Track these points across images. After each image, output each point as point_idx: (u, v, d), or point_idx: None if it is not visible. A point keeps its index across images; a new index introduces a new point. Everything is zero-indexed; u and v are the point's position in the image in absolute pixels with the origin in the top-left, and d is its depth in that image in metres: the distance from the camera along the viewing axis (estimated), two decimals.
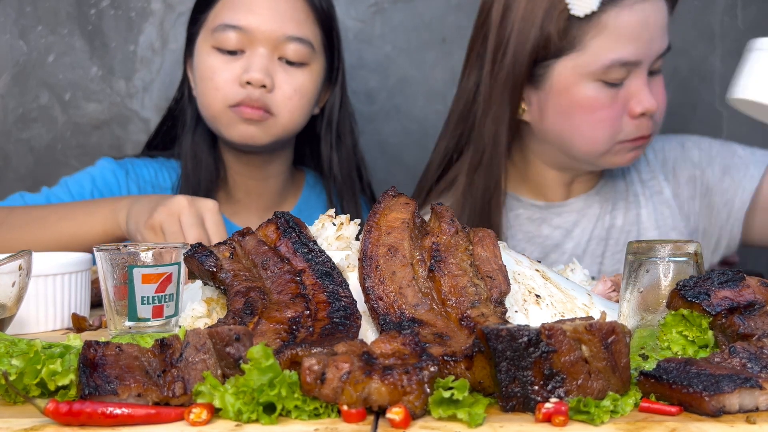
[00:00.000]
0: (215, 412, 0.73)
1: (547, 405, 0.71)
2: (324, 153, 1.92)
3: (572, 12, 1.56)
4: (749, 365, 0.77)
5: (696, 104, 2.20)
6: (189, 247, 1.01)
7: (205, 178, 1.87)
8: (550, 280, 1.07)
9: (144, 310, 1.02)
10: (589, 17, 1.56)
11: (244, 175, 1.92)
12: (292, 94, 1.76)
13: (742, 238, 1.71)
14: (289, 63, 1.77)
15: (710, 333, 0.85)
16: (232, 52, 1.76)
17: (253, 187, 1.93)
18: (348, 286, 0.94)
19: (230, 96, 1.74)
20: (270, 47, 1.75)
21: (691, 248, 0.96)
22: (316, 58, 1.80)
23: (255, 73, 1.72)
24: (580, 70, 1.57)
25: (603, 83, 1.58)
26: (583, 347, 0.73)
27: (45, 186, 1.89)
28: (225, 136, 1.81)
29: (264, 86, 1.73)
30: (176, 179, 1.92)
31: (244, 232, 1.02)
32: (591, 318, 0.76)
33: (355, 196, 1.92)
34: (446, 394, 0.71)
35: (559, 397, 0.72)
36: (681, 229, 1.72)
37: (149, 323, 1.03)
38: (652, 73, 1.61)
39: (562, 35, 1.57)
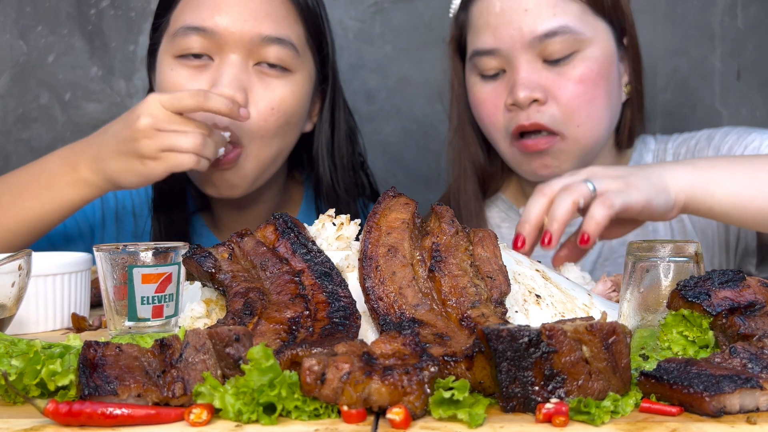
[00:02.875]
0: (215, 413, 0.73)
1: (548, 405, 0.71)
2: (321, 174, 1.65)
3: (450, 15, 1.65)
4: (750, 365, 0.77)
5: (696, 104, 2.20)
6: (188, 248, 1.01)
7: (179, 224, 1.65)
8: (551, 280, 1.07)
9: (144, 310, 1.02)
10: (464, 16, 1.60)
11: (228, 208, 1.69)
12: (268, 115, 1.46)
13: (758, 237, 1.61)
14: (271, 66, 1.49)
15: (711, 333, 0.85)
16: (197, 56, 1.47)
17: (241, 218, 1.70)
18: (347, 286, 0.94)
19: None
20: (243, 53, 1.45)
21: (691, 248, 0.96)
22: (300, 64, 1.52)
23: (223, 87, 1.42)
24: (467, 67, 1.61)
25: (480, 77, 1.57)
26: (584, 347, 0.73)
27: None
28: (201, 188, 1.54)
29: (237, 101, 1.42)
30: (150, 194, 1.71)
31: (243, 233, 1.02)
32: (591, 318, 0.76)
33: (351, 206, 1.70)
34: (446, 395, 0.71)
35: (559, 397, 0.72)
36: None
37: (149, 323, 1.02)
38: (553, 61, 1.51)
39: (458, 38, 1.64)
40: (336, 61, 1.70)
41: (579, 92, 1.50)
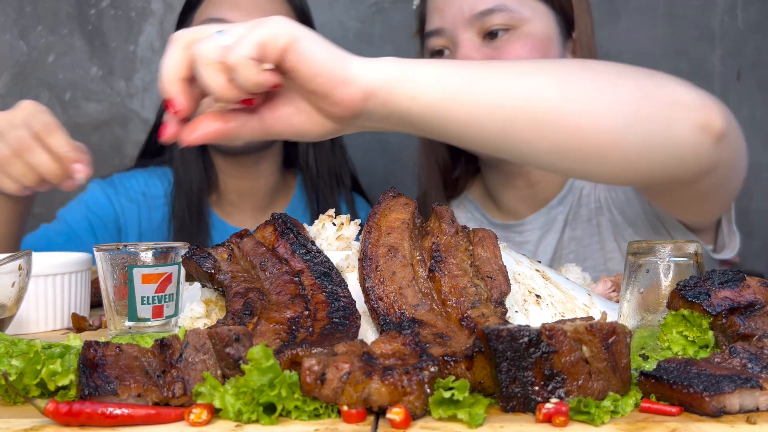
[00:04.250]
0: (215, 413, 0.73)
1: (548, 405, 0.71)
2: (300, 149, 1.92)
3: (413, 8, 1.74)
4: (749, 365, 0.77)
5: None
6: (188, 249, 1.01)
7: (196, 183, 1.87)
8: (551, 280, 1.07)
9: (144, 310, 1.02)
10: (423, 5, 1.69)
11: (235, 176, 1.92)
12: None
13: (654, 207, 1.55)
14: None
15: (710, 333, 0.85)
16: None
17: (245, 189, 1.94)
18: (347, 286, 0.94)
19: None
20: None
21: (691, 248, 0.96)
22: None
23: None
24: (423, 51, 1.68)
25: (431, 56, 1.66)
26: (584, 347, 0.73)
27: (43, 222, 1.89)
28: None
29: None
30: (168, 186, 1.92)
31: (242, 234, 1.02)
32: (591, 318, 0.76)
33: (334, 193, 1.91)
34: (446, 395, 0.71)
35: (559, 397, 0.72)
36: (631, 237, 1.59)
37: (149, 323, 1.03)
38: (493, 37, 1.57)
39: (422, 30, 1.71)
40: None
41: None
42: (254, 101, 0.96)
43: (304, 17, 1.84)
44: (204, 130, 0.97)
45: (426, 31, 1.67)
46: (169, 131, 0.97)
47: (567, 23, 1.64)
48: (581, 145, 1.01)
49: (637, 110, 1.02)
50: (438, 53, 1.65)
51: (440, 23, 1.62)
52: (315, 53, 0.93)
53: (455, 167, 1.81)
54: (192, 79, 0.95)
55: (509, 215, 1.75)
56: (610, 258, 1.60)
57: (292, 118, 0.99)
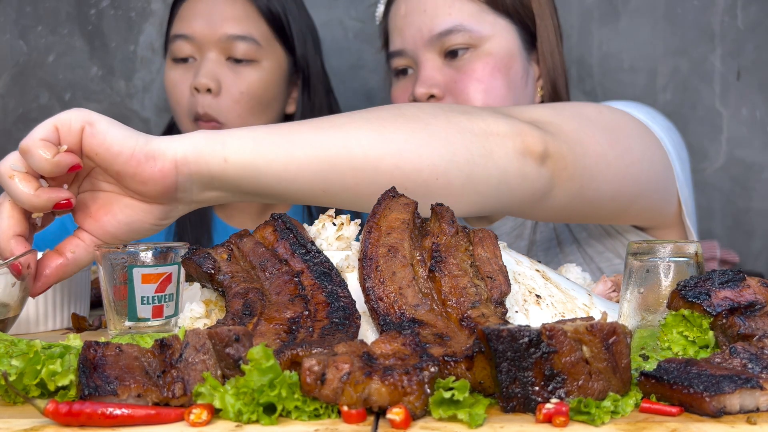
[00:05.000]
0: (215, 413, 0.73)
1: (548, 405, 0.71)
2: None
3: (377, 23, 1.75)
4: (750, 366, 0.77)
5: (696, 104, 2.20)
6: (187, 249, 1.01)
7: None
8: (551, 280, 1.07)
9: (144, 310, 1.02)
10: (386, 22, 1.69)
11: None
12: (239, 97, 1.77)
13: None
14: (238, 61, 1.77)
15: (711, 333, 0.85)
16: (185, 60, 1.80)
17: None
18: (347, 286, 0.94)
19: (187, 108, 1.78)
20: (217, 49, 1.77)
21: (691, 249, 0.96)
22: (265, 54, 1.80)
23: (200, 78, 1.74)
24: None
25: (395, 76, 1.67)
26: (584, 348, 0.73)
27: None
28: None
29: (210, 90, 1.74)
30: None
31: (242, 234, 1.02)
32: (591, 318, 0.76)
33: None
34: (447, 395, 0.71)
35: (559, 397, 0.72)
36: (586, 239, 1.59)
37: (149, 323, 1.03)
38: (453, 59, 1.57)
39: (386, 44, 1.72)
40: (318, 54, 1.91)
41: (474, 86, 1.56)
42: (70, 202, 0.94)
43: (273, 15, 1.82)
44: (47, 274, 0.98)
45: (389, 52, 1.67)
46: (45, 278, 0.98)
47: (530, 35, 1.63)
48: (404, 184, 1.04)
49: (453, 146, 1.06)
50: (402, 72, 1.66)
51: (401, 44, 1.62)
52: (112, 134, 0.93)
53: None
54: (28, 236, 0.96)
55: (484, 219, 1.75)
56: (570, 261, 1.59)
57: (118, 218, 0.99)
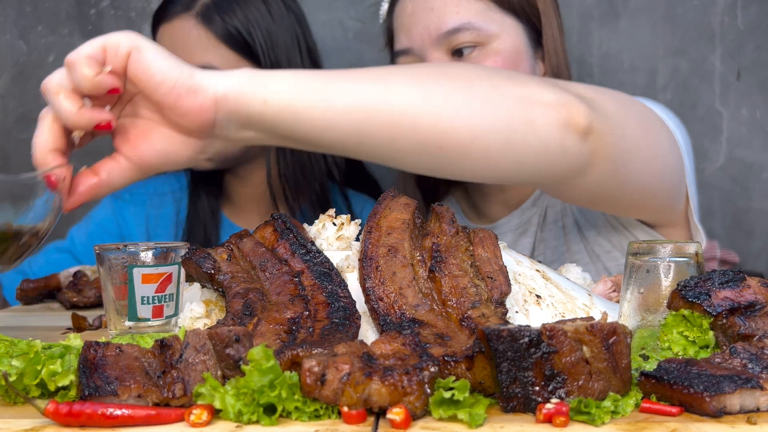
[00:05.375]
0: (215, 414, 0.73)
1: (548, 405, 0.71)
2: (270, 159, 1.87)
3: (380, 22, 1.72)
4: (750, 366, 0.77)
5: (696, 104, 2.20)
6: (187, 249, 1.01)
7: (209, 188, 1.91)
8: (551, 280, 1.07)
9: (144, 310, 1.02)
10: (390, 20, 1.67)
11: (237, 184, 1.95)
12: None
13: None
14: None
15: (711, 333, 0.85)
16: None
17: (249, 194, 1.96)
18: (347, 286, 0.94)
19: None
20: None
21: (691, 249, 0.96)
22: None
23: None
24: None
25: None
26: (584, 348, 0.73)
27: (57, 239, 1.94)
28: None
29: None
30: (176, 183, 1.96)
31: (242, 234, 1.02)
32: (592, 318, 0.76)
33: (300, 195, 1.86)
34: (447, 395, 0.71)
35: (559, 397, 0.72)
36: (595, 238, 1.58)
37: (149, 323, 1.03)
38: (460, 56, 1.56)
39: (390, 43, 1.70)
40: (296, 52, 1.84)
41: None
42: (110, 124, 0.95)
43: (233, 38, 1.77)
44: (80, 191, 0.98)
45: (395, 51, 1.65)
46: (78, 196, 0.98)
47: (535, 32, 1.63)
48: (441, 144, 1.02)
49: (494, 109, 1.03)
50: None
51: (408, 43, 1.60)
52: (157, 62, 0.92)
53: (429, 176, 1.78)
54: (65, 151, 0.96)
55: (485, 218, 1.75)
56: (576, 259, 1.59)
57: (155, 147, 0.99)
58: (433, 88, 1.03)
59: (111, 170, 1.00)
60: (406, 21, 1.60)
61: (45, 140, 0.94)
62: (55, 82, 0.92)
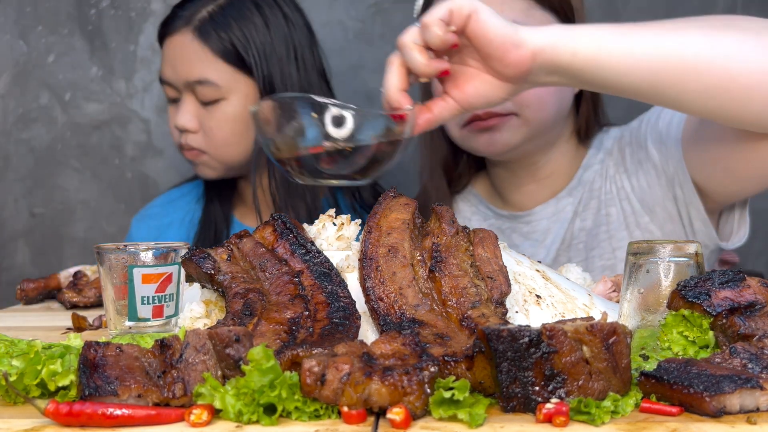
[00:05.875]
0: (215, 414, 0.73)
1: (548, 405, 0.71)
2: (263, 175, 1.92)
3: (414, 17, 1.71)
4: (750, 366, 0.77)
5: None
6: (187, 249, 1.01)
7: (224, 192, 1.99)
8: (551, 280, 1.07)
9: (144, 310, 1.02)
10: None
11: (247, 188, 1.99)
12: (216, 131, 1.84)
13: (703, 201, 1.56)
14: (206, 103, 1.83)
15: (711, 333, 0.85)
16: (175, 101, 1.88)
17: (259, 197, 1.98)
18: (346, 286, 0.94)
19: (177, 141, 1.89)
20: (189, 92, 1.84)
21: (691, 248, 0.96)
22: (229, 91, 1.83)
23: (177, 120, 1.85)
24: None
25: None
26: (584, 348, 0.73)
27: None
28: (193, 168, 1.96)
29: (189, 129, 1.84)
30: (192, 191, 2.03)
31: (242, 235, 1.02)
32: (592, 318, 0.76)
33: (296, 203, 1.90)
34: (447, 395, 0.71)
35: (559, 397, 0.72)
36: (646, 225, 1.62)
37: (149, 323, 1.03)
38: None
39: None
40: (290, 64, 1.90)
41: None
42: (449, 71, 1.15)
43: (229, 52, 1.82)
44: (419, 123, 1.17)
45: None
46: (417, 127, 1.18)
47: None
48: (728, 86, 1.13)
49: None
50: None
51: None
52: (492, 22, 1.11)
53: (457, 165, 1.82)
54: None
55: (516, 208, 1.77)
56: (619, 247, 1.62)
57: (478, 90, 1.17)
58: (723, 36, 1.14)
59: (441, 108, 1.18)
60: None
61: (395, 83, 1.13)
62: (410, 38, 1.12)
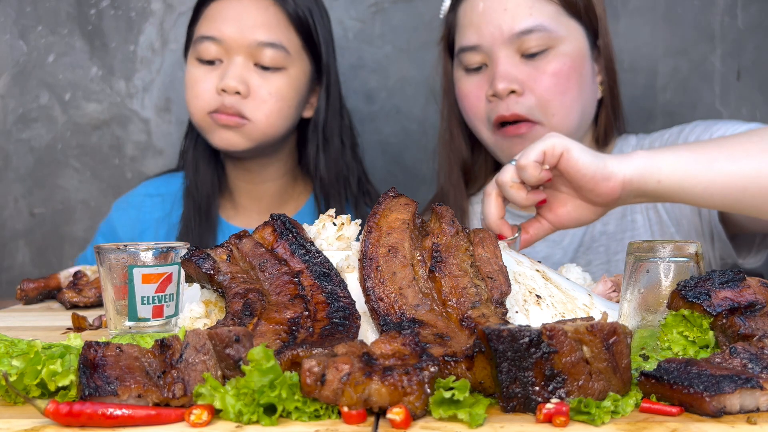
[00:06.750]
0: (216, 414, 0.73)
1: (548, 405, 0.71)
2: (310, 153, 1.94)
3: (441, 17, 1.79)
4: (750, 366, 0.77)
5: (696, 104, 2.20)
6: (187, 250, 1.01)
7: (206, 186, 1.94)
8: (551, 280, 1.07)
9: (144, 310, 1.02)
10: (453, 16, 1.73)
11: (242, 179, 1.97)
12: (267, 98, 1.82)
13: (725, 227, 1.65)
14: (265, 68, 1.81)
15: (711, 333, 0.85)
16: (211, 62, 1.83)
17: (252, 191, 1.98)
18: (346, 286, 0.94)
19: (208, 103, 1.81)
20: (245, 55, 1.81)
21: (691, 248, 0.96)
22: (293, 62, 1.84)
23: (228, 80, 1.79)
24: (454, 63, 1.76)
25: (465, 71, 1.71)
26: (584, 348, 0.73)
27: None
28: (209, 141, 1.89)
29: (238, 92, 1.79)
30: (177, 187, 1.98)
31: (241, 235, 1.02)
32: (592, 318, 0.76)
33: (341, 200, 1.94)
34: (447, 395, 0.71)
35: (560, 397, 0.72)
36: (672, 235, 1.68)
37: (149, 323, 1.03)
38: (530, 55, 1.63)
39: (447, 37, 1.78)
40: (335, 59, 1.96)
41: (553, 84, 1.64)
42: (545, 200, 1.29)
43: (302, 24, 1.85)
44: (525, 240, 1.31)
45: (461, 46, 1.68)
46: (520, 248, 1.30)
47: (593, 35, 1.70)
48: None
49: None
50: (475, 70, 1.69)
51: (477, 40, 1.65)
52: (583, 159, 1.21)
53: (475, 165, 1.83)
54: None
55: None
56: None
57: (570, 213, 1.30)
58: None
59: (537, 229, 1.31)
60: (476, 19, 1.66)
61: (495, 212, 1.25)
62: (509, 178, 1.24)
